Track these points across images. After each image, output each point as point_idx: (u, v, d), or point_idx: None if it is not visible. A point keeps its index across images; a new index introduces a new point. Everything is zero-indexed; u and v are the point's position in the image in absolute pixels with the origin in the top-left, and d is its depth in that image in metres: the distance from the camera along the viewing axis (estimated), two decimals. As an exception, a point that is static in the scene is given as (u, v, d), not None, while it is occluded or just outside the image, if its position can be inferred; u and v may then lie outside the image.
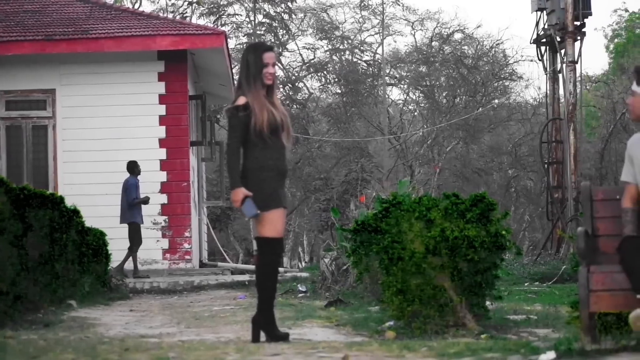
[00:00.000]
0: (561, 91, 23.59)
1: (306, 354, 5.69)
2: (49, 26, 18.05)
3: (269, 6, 37.68)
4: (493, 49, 39.99)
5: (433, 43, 40.33)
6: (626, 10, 46.79)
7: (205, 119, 20.44)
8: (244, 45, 35.64)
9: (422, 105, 42.02)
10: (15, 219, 8.57)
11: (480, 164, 39.65)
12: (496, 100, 40.48)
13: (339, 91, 40.45)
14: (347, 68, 40.03)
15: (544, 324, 7.97)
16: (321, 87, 41.76)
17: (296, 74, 40.18)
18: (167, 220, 17.67)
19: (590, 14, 22.78)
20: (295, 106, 36.87)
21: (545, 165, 24.25)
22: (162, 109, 17.83)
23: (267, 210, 6.70)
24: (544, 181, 29.25)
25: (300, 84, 40.14)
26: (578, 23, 22.53)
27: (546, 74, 24.02)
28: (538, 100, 39.41)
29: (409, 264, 7.51)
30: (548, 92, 24.22)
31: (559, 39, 22.67)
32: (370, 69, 40.96)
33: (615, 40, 47.01)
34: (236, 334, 7.61)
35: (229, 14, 38.13)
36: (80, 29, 17.91)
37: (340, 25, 41.05)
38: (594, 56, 76.08)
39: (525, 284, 15.92)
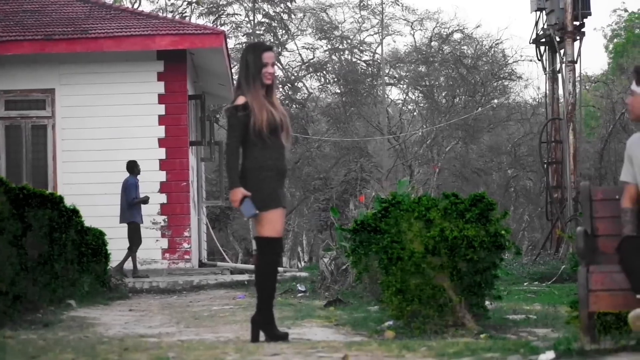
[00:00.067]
0: (560, 91, 23.60)
1: (305, 354, 5.69)
2: (49, 26, 18.05)
3: (269, 6, 37.69)
4: (492, 49, 40.02)
5: (432, 43, 40.34)
6: (625, 10, 46.86)
7: (204, 118, 20.44)
8: (244, 45, 35.62)
9: (422, 105, 42.04)
10: (14, 219, 8.57)
11: (480, 163, 39.66)
12: (495, 100, 40.50)
13: (338, 91, 40.46)
14: (346, 68, 40.04)
15: (543, 324, 7.98)
16: (320, 87, 41.82)
17: (295, 74, 40.19)
18: (166, 220, 17.67)
19: (590, 14, 22.79)
20: (294, 106, 36.88)
21: (545, 165, 24.26)
22: (161, 109, 17.82)
23: (267, 210, 6.69)
24: (543, 181, 29.26)
25: (300, 84, 40.15)
26: (577, 23, 22.53)
27: (545, 74, 24.02)
28: (537, 100, 39.46)
29: (408, 263, 7.51)
30: (547, 92, 24.22)
31: (558, 39, 22.66)
32: (370, 69, 40.98)
33: (615, 40, 47.04)
34: (235, 333, 7.61)
35: (228, 14, 38.14)
36: (79, 28, 17.91)
37: (340, 25, 41.09)
38: (593, 56, 76.20)
39: (525, 284, 15.92)
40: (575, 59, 22.37)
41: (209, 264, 20.41)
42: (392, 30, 40.93)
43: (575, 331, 6.16)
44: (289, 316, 9.11)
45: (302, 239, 40.87)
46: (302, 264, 37.34)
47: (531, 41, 24.00)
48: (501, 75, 39.95)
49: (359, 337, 7.28)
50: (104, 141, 17.47)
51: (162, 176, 17.71)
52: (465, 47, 40.29)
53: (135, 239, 16.10)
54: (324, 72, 40.58)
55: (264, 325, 6.71)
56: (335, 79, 40.46)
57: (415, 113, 43.03)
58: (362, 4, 40.50)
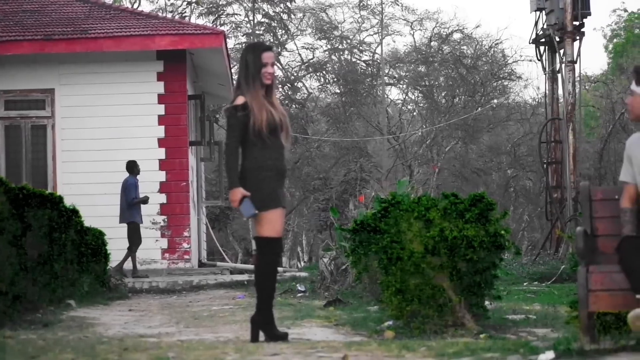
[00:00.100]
0: (560, 91, 23.60)
1: (305, 354, 5.69)
2: (48, 26, 18.05)
3: (268, 6, 37.68)
4: (492, 49, 40.02)
5: (432, 43, 40.35)
6: (625, 10, 46.85)
7: (204, 118, 20.45)
8: (243, 45, 35.63)
9: (421, 105, 42.04)
10: (14, 219, 8.57)
11: (479, 163, 39.66)
12: (495, 100, 40.50)
13: (338, 91, 40.46)
14: (346, 68, 40.04)
15: (543, 324, 7.98)
16: (320, 86, 41.82)
17: (295, 74, 40.19)
18: (166, 219, 17.67)
19: (589, 14, 22.79)
20: (294, 106, 36.87)
21: (544, 165, 24.25)
22: (161, 109, 17.82)
23: (266, 210, 6.69)
24: (543, 181, 29.26)
25: (299, 84, 40.15)
26: (577, 23, 22.53)
27: (545, 74, 24.02)
28: (537, 100, 39.46)
29: (408, 263, 7.51)
30: (547, 92, 24.22)
31: (558, 39, 22.66)
32: (369, 69, 40.98)
33: (614, 40, 47.04)
34: (235, 333, 7.60)
35: (228, 14, 38.13)
36: (79, 28, 17.91)
37: (339, 25, 41.08)
38: (593, 56, 76.21)
39: (524, 284, 15.91)
40: (575, 59, 22.37)
41: (209, 264, 20.41)
42: (391, 30, 40.99)
43: (574, 331, 6.16)
44: (288, 316, 9.11)
45: (302, 239, 40.87)
46: (302, 264, 37.34)
47: (531, 41, 24.00)
48: (501, 75, 39.96)
49: (358, 337, 7.28)
50: (104, 141, 17.47)
51: (162, 176, 17.71)
52: (464, 47, 40.30)
53: (134, 239, 16.11)
54: (324, 72, 40.58)
55: (264, 325, 6.71)
56: (335, 79, 40.46)
57: (414, 113, 43.04)
58: (361, 4, 40.51)
